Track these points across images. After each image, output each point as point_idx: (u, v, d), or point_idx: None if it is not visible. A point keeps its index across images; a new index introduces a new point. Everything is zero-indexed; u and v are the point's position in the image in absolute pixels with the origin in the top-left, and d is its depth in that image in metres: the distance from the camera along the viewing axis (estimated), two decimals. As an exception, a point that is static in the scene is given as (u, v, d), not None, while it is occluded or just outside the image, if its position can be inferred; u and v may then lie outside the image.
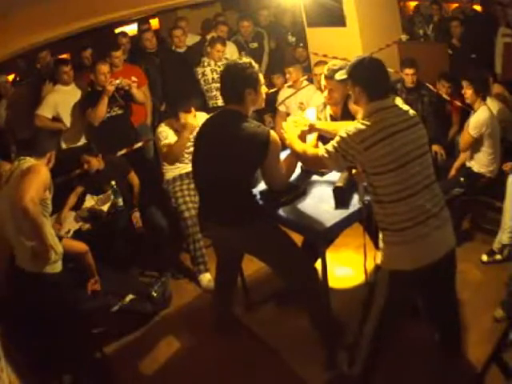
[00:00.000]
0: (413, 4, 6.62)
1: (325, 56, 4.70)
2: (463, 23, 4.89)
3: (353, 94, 2.16)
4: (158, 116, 4.78)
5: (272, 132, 2.32)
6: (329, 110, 2.97)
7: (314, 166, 2.36)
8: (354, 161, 2.05)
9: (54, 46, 4.47)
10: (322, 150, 2.14)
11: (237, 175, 2.35)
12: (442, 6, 5.73)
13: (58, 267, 2.59)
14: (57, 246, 2.58)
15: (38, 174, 2.43)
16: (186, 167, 3.73)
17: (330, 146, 2.10)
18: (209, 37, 5.00)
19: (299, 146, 2.36)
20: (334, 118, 2.94)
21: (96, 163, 3.68)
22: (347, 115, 2.84)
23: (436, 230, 2.02)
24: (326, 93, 2.85)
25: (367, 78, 2.06)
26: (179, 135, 3.60)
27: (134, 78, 4.36)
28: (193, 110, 3.61)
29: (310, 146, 2.38)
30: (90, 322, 2.92)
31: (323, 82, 2.86)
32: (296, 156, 2.40)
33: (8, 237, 2.55)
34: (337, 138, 2.06)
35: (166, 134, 3.67)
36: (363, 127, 1.99)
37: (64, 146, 4.18)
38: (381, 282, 2.13)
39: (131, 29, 5.85)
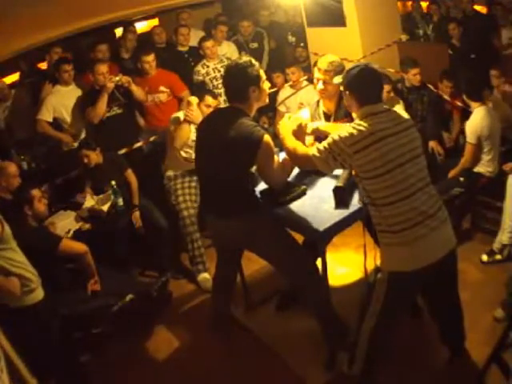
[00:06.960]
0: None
1: (325, 56, 4.70)
2: (462, 23, 4.89)
3: (345, 98, 2.21)
4: None
5: (266, 135, 2.32)
6: (322, 107, 2.95)
7: (303, 164, 2.35)
8: (345, 164, 2.07)
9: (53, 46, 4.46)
10: (313, 150, 2.15)
11: (232, 171, 2.37)
12: (440, 5, 5.74)
13: (38, 295, 2.46)
14: (27, 273, 2.40)
15: None
16: (189, 165, 3.71)
17: (321, 146, 2.11)
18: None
19: (291, 143, 2.34)
20: (327, 115, 2.92)
21: (95, 157, 3.66)
22: (341, 112, 2.83)
23: (434, 231, 2.02)
24: (320, 85, 2.84)
25: (357, 84, 2.11)
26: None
27: (162, 89, 4.18)
28: (219, 97, 3.60)
29: (302, 145, 2.38)
30: (90, 322, 2.92)
31: (316, 75, 2.85)
32: (286, 153, 2.38)
33: None
34: (329, 140, 2.09)
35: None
36: (354, 131, 2.02)
37: (65, 147, 4.16)
38: (380, 283, 2.14)
39: (141, 26, 5.78)
